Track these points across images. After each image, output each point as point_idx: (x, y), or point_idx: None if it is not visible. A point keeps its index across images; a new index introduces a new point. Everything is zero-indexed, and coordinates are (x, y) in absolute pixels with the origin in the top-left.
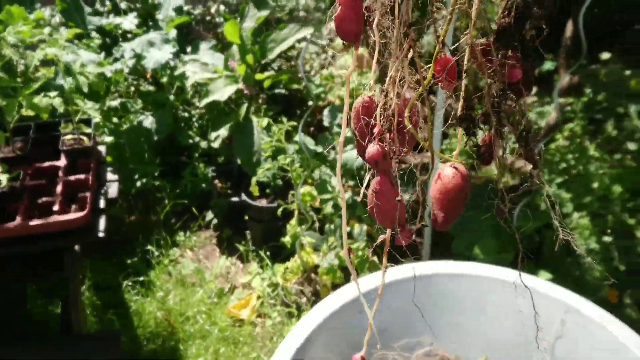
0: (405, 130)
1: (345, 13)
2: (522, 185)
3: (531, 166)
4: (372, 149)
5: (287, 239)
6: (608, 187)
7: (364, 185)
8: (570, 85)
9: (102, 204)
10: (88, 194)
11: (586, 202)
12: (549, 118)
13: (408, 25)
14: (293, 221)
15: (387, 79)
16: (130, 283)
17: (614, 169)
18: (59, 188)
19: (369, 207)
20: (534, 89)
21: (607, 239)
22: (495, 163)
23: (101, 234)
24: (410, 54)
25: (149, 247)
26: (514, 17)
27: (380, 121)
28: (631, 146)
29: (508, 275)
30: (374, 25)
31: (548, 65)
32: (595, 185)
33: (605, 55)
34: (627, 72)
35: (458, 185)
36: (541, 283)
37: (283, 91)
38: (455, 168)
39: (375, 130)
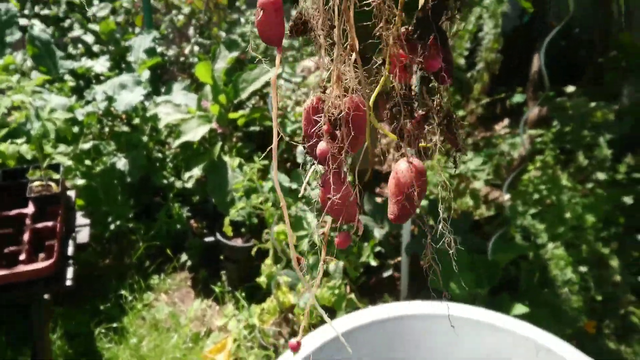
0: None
1: (269, 18)
2: (498, 216)
3: (506, 197)
4: (322, 145)
5: (262, 279)
6: (581, 217)
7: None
8: (540, 117)
9: (70, 251)
10: (55, 242)
11: (560, 232)
12: (520, 149)
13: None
14: (268, 260)
15: (331, 77)
16: (103, 330)
17: (585, 198)
18: (26, 236)
19: (321, 204)
20: (506, 121)
21: (582, 269)
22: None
23: (69, 283)
24: (353, 55)
25: (123, 291)
26: (430, 7)
27: (329, 119)
28: (601, 176)
29: (480, 315)
30: (318, 26)
31: (518, 97)
32: (568, 215)
33: (570, 89)
34: (592, 104)
35: (411, 180)
36: (512, 322)
37: (258, 128)
38: (410, 162)
39: (325, 127)
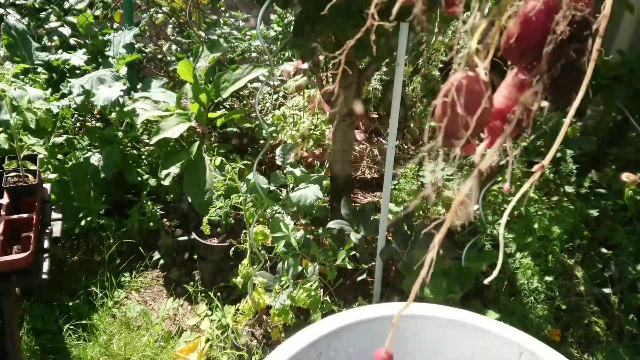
0: None
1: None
2: (469, 224)
3: (476, 207)
4: None
5: (238, 280)
6: (547, 228)
7: None
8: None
9: (46, 244)
10: (32, 234)
11: (528, 243)
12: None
13: None
14: (245, 261)
15: None
16: (71, 327)
17: (552, 211)
18: (0, 227)
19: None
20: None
21: (548, 278)
22: None
23: (45, 276)
24: None
25: (92, 288)
26: None
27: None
28: (569, 189)
29: (464, 317)
30: None
31: None
32: (536, 226)
33: (544, 103)
34: (564, 120)
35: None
36: (496, 324)
37: (235, 129)
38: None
39: None
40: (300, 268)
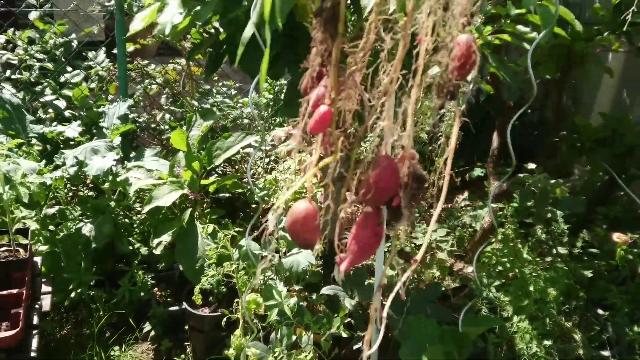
0: None
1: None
2: (464, 287)
3: (470, 269)
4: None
5: (231, 352)
6: (543, 290)
7: None
8: (500, 191)
9: (35, 320)
10: (21, 310)
11: (524, 305)
12: (483, 222)
13: None
14: (238, 332)
15: None
16: None
17: (547, 272)
18: None
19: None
20: (466, 193)
21: (547, 342)
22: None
23: (34, 354)
24: None
25: None
26: None
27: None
28: (562, 250)
29: None
30: None
31: (477, 172)
32: (532, 288)
33: (531, 166)
34: (552, 181)
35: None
36: None
37: (227, 195)
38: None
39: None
40: (294, 337)
